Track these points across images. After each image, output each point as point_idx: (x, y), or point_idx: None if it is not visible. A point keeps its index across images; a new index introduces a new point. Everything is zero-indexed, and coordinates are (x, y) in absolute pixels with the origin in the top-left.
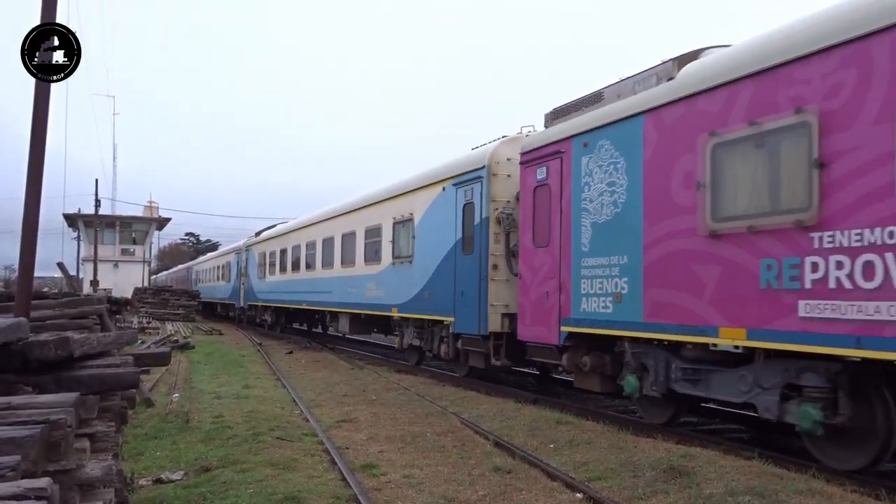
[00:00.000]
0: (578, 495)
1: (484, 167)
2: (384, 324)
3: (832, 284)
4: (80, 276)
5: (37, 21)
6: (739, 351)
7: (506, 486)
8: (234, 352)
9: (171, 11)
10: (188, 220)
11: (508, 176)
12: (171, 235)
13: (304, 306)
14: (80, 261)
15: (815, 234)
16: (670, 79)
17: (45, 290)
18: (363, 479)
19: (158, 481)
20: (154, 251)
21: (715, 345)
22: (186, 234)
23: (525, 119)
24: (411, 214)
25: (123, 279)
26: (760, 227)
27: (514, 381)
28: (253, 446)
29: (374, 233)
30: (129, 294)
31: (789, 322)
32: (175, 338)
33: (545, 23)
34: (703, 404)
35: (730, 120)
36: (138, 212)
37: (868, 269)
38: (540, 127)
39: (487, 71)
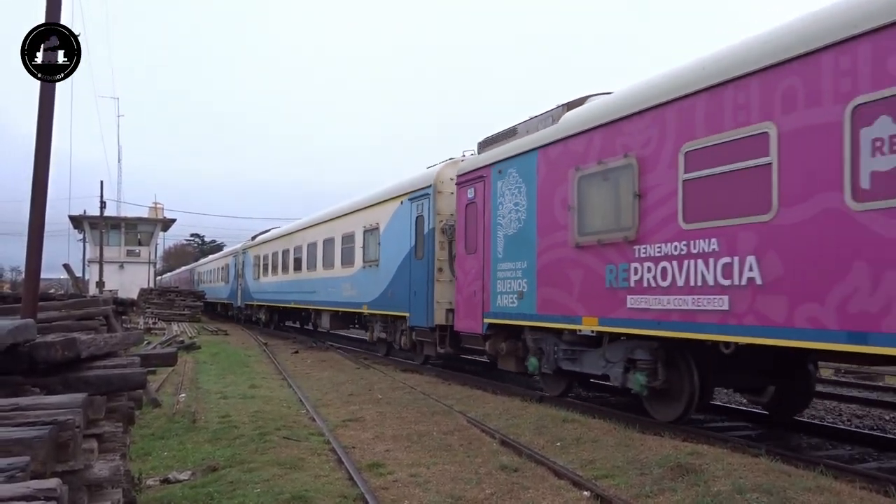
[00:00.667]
0: (585, 493)
1: (430, 186)
2: (359, 319)
3: (645, 284)
4: (86, 277)
5: (41, 22)
6: (594, 334)
7: (512, 484)
8: (240, 352)
9: (174, 11)
10: (193, 221)
11: (451, 193)
12: (176, 236)
13: (292, 305)
14: (86, 262)
15: (636, 247)
16: (558, 121)
17: (52, 291)
18: (370, 478)
19: (166, 481)
20: (159, 252)
21: (580, 330)
22: (192, 235)
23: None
24: (377, 224)
25: (129, 280)
26: (606, 240)
27: (521, 381)
28: (260, 446)
29: (348, 239)
30: (134, 295)
31: (622, 312)
32: (181, 338)
33: (547, 22)
34: (711, 402)
35: (588, 158)
36: (143, 213)
37: (663, 273)
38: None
39: (483, 73)
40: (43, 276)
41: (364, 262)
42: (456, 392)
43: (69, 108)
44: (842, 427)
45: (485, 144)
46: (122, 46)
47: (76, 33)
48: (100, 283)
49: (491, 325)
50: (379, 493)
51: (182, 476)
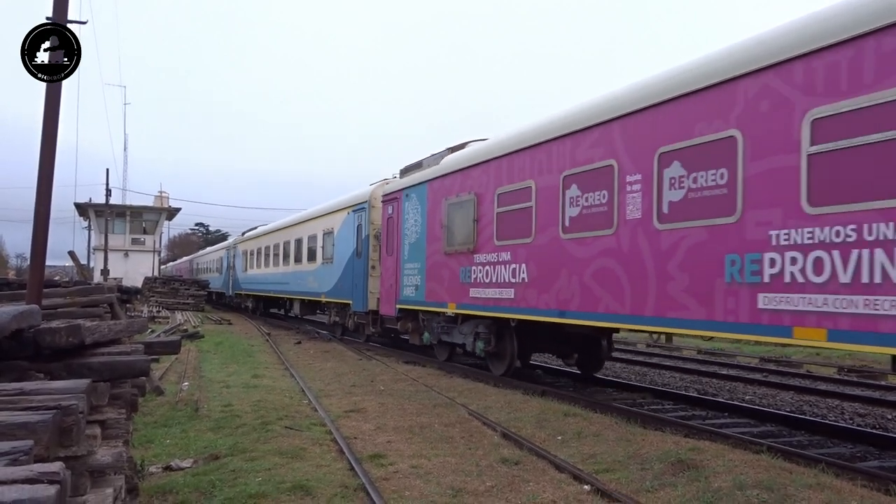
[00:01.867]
0: (586, 487)
1: (366, 201)
2: (321, 306)
3: (479, 280)
4: (91, 265)
5: (51, 12)
6: (454, 315)
7: (513, 477)
8: (244, 341)
9: (179, 5)
10: (198, 211)
11: (380, 208)
12: (181, 225)
13: (271, 294)
14: (91, 250)
15: (474, 255)
16: (442, 160)
17: (57, 278)
18: (371, 468)
19: (168, 469)
20: (164, 241)
21: (447, 313)
22: (196, 225)
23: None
24: (332, 228)
25: (134, 268)
26: (460, 250)
27: (524, 375)
28: (262, 435)
29: (313, 240)
30: (139, 283)
31: (468, 299)
32: (185, 327)
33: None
34: (713, 399)
35: (453, 191)
36: (149, 202)
37: (487, 273)
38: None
39: (477, 77)
40: (48, 263)
41: (323, 259)
42: (458, 385)
43: (76, 96)
44: (843, 425)
45: (404, 172)
46: (130, 36)
47: (84, 21)
48: (104, 271)
49: (401, 310)
50: (380, 484)
51: (184, 464)
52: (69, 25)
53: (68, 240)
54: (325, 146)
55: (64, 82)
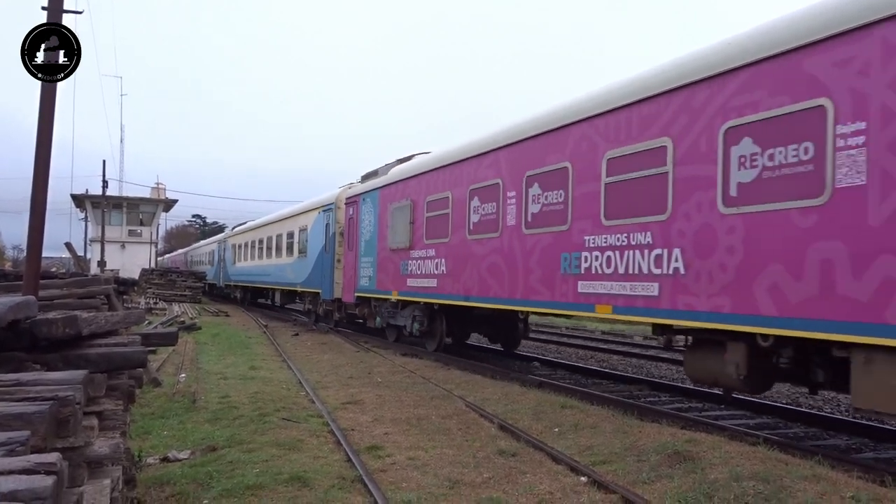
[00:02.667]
0: (583, 479)
1: (333, 203)
2: (299, 296)
3: (414, 272)
4: (88, 256)
5: (46, 2)
6: (397, 301)
7: (510, 469)
8: (241, 333)
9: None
10: (195, 202)
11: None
12: (178, 217)
13: (257, 284)
14: (88, 241)
15: (411, 251)
16: (390, 170)
17: (53, 270)
18: (368, 460)
19: (165, 460)
20: (161, 233)
21: (391, 299)
22: (193, 217)
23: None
24: (307, 226)
25: (130, 260)
26: (401, 248)
27: (519, 367)
28: (259, 427)
29: (290, 236)
30: (136, 275)
31: (407, 287)
32: (182, 319)
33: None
34: (709, 391)
35: (396, 198)
36: (146, 193)
37: (419, 266)
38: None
39: (470, 81)
40: (45, 254)
41: (298, 253)
42: (455, 377)
43: (72, 87)
44: (839, 417)
45: (364, 178)
46: (128, 28)
47: (80, 11)
48: (101, 263)
49: (358, 297)
50: (377, 476)
51: (181, 455)
52: (65, 17)
53: (65, 231)
54: (324, 145)
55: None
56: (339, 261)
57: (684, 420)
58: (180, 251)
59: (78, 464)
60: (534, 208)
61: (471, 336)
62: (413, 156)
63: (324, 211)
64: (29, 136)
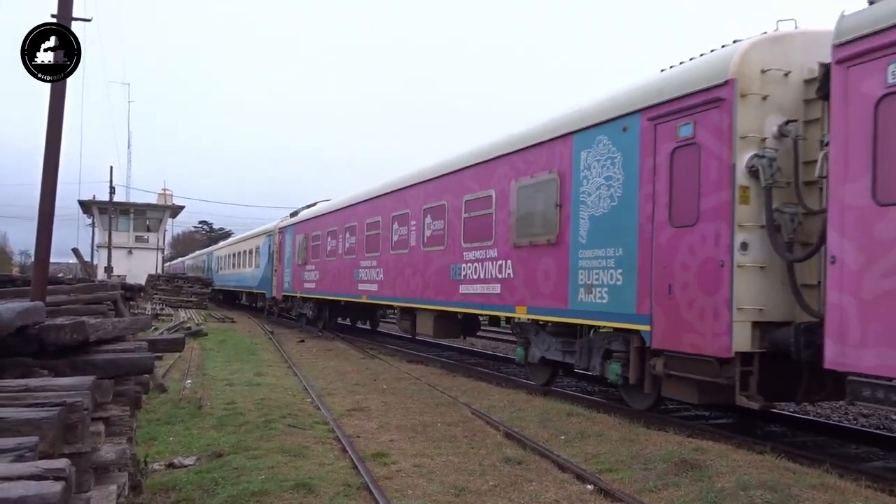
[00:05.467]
0: (589, 487)
1: (273, 231)
2: (255, 297)
3: (308, 278)
4: (95, 262)
5: (55, 10)
6: (301, 297)
7: (516, 476)
8: (247, 340)
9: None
10: (202, 209)
11: (293, 235)
12: (184, 223)
13: (232, 288)
14: (95, 247)
15: (305, 265)
16: (300, 212)
17: (61, 275)
18: (374, 467)
19: (171, 466)
20: (168, 239)
21: (297, 296)
22: (200, 223)
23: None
24: (258, 246)
25: (137, 266)
26: (302, 262)
27: (521, 373)
28: (265, 433)
29: (250, 253)
30: (142, 281)
31: (303, 288)
32: (188, 325)
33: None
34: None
35: (300, 232)
36: (152, 199)
37: (310, 275)
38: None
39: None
40: (52, 260)
41: (255, 265)
42: (461, 384)
43: (80, 94)
44: (847, 426)
45: (291, 215)
46: (135, 34)
47: (88, 18)
48: (108, 269)
49: (283, 295)
50: (382, 483)
51: (187, 461)
52: (73, 23)
53: (72, 237)
54: (332, 156)
55: (68, 80)
56: (275, 271)
57: (691, 428)
58: (179, 259)
59: (84, 469)
60: (427, 232)
61: (345, 320)
62: (316, 203)
63: (268, 236)
64: (37, 143)
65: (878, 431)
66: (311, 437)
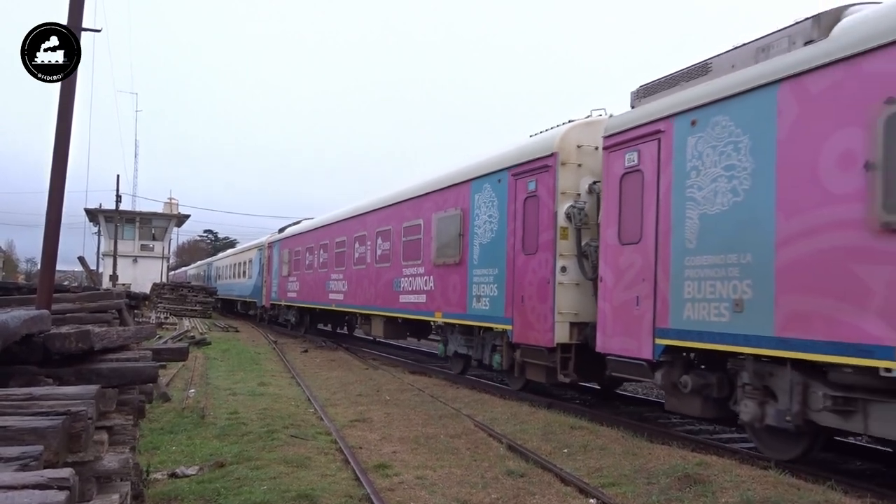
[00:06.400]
0: (592, 501)
1: (263, 245)
2: (249, 305)
3: (290, 288)
4: (100, 270)
5: (65, 21)
6: (285, 305)
7: (519, 489)
8: (250, 349)
9: (192, 12)
10: (208, 217)
11: (280, 250)
12: (190, 232)
13: (229, 297)
14: (100, 255)
15: (289, 277)
16: (286, 229)
17: (66, 283)
18: (376, 478)
19: (173, 476)
20: (173, 248)
21: (282, 303)
22: (205, 231)
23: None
24: (251, 259)
25: (142, 274)
26: (287, 273)
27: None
28: (267, 443)
29: (244, 265)
30: (147, 289)
31: (287, 297)
32: (192, 334)
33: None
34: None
35: (286, 248)
36: (158, 208)
37: (292, 286)
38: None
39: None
40: (58, 268)
41: (248, 276)
42: (464, 395)
43: (89, 103)
44: (852, 442)
45: (279, 230)
46: (143, 44)
47: (98, 29)
48: (113, 277)
49: (271, 304)
50: (385, 495)
51: (189, 471)
52: (82, 34)
53: (78, 245)
54: (341, 165)
55: (76, 90)
56: (266, 281)
57: (695, 442)
58: (182, 269)
59: (87, 478)
60: (379, 252)
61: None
62: (301, 220)
63: (259, 250)
64: (45, 151)
65: (883, 448)
66: (313, 447)
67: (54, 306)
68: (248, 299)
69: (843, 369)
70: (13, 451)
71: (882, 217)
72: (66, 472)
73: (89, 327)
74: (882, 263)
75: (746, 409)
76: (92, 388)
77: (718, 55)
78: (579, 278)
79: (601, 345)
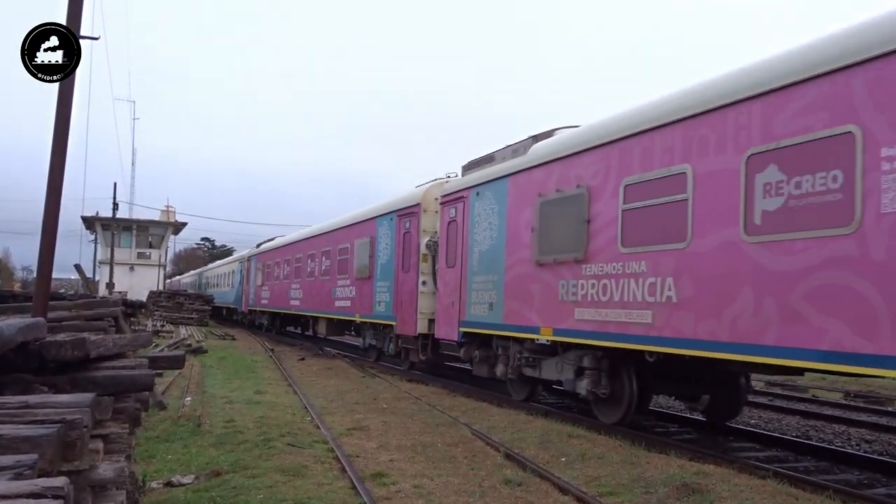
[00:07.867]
0: None
1: (243, 259)
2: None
3: (260, 296)
4: (97, 278)
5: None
6: (260, 310)
7: (516, 498)
8: (247, 357)
9: (188, 12)
10: (205, 225)
11: (256, 263)
12: (186, 240)
13: (217, 304)
14: (97, 263)
15: (262, 287)
16: (261, 245)
17: (62, 291)
18: (373, 487)
19: (169, 484)
20: (170, 255)
21: (257, 309)
22: (202, 239)
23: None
24: (234, 269)
25: (139, 282)
26: (258, 284)
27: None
28: (263, 452)
29: (227, 275)
30: (143, 297)
31: (260, 304)
32: (188, 342)
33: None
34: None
35: (259, 261)
36: (155, 215)
37: (273, 295)
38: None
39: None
40: (54, 275)
41: (231, 284)
42: (461, 404)
43: (86, 111)
44: (850, 451)
45: (257, 246)
46: (140, 52)
47: (96, 37)
48: (110, 285)
49: (249, 310)
50: None
51: (185, 480)
52: (80, 42)
53: (74, 253)
54: (336, 172)
55: (74, 97)
56: (244, 290)
57: (693, 451)
58: (177, 277)
59: (82, 487)
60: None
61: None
62: (274, 238)
63: (240, 262)
64: (42, 159)
65: (880, 458)
66: (310, 456)
67: (50, 314)
68: (231, 305)
69: (527, 341)
70: (7, 459)
71: (536, 258)
72: (60, 481)
73: (85, 335)
74: (537, 283)
75: (499, 369)
76: (87, 397)
77: (499, 149)
78: (433, 289)
79: (437, 333)
